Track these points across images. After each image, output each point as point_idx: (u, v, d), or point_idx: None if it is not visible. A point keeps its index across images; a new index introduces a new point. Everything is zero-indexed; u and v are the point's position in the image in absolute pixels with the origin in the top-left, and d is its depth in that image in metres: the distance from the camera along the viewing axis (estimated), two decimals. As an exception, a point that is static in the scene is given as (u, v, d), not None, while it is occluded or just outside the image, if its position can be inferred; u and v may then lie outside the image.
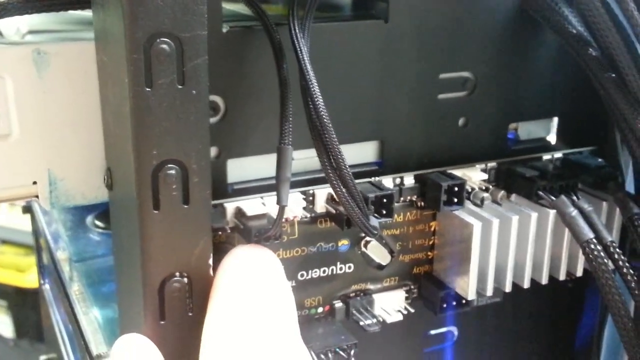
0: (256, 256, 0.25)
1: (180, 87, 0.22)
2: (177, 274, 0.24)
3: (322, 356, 0.30)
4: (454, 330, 0.36)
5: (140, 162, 0.22)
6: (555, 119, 0.36)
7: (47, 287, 0.53)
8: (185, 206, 0.23)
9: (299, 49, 0.25)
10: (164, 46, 0.21)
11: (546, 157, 0.34)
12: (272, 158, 0.29)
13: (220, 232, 0.28)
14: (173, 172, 0.23)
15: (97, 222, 0.47)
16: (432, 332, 0.36)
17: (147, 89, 0.21)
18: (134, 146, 0.22)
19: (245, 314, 0.23)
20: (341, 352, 0.30)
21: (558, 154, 0.35)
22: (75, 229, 0.47)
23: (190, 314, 0.24)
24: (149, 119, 0.22)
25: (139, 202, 0.23)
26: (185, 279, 0.24)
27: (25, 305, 1.09)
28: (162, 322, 0.24)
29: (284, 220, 0.28)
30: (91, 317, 0.37)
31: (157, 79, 0.21)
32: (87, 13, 0.29)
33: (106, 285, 0.41)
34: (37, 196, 0.28)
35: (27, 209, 0.54)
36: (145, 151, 0.22)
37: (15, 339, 1.11)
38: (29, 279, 1.06)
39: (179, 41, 0.21)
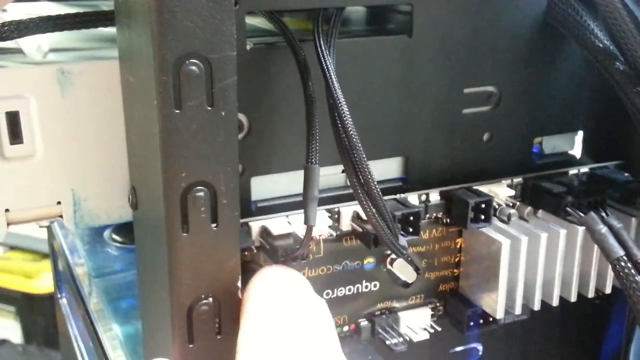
0: (285, 276, 0.24)
1: (209, 108, 0.21)
2: (205, 296, 0.23)
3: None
4: (479, 347, 0.36)
5: (169, 184, 0.22)
6: (580, 133, 0.35)
7: (64, 300, 0.53)
8: (214, 228, 0.23)
9: (325, 67, 0.25)
10: (193, 67, 0.21)
11: (572, 171, 0.34)
12: (296, 175, 0.29)
13: (246, 252, 0.28)
14: (202, 194, 0.22)
15: (115, 237, 0.46)
16: (457, 349, 0.35)
17: (176, 111, 0.21)
18: (163, 168, 0.22)
19: (281, 332, 0.22)
20: (368, 372, 0.30)
21: (584, 169, 0.34)
22: (92, 243, 0.47)
23: (219, 337, 0.24)
24: (178, 141, 0.21)
25: (167, 224, 0.22)
26: (214, 301, 0.24)
27: (33, 311, 1.09)
28: (191, 346, 0.24)
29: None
30: (112, 334, 0.37)
31: (186, 101, 0.21)
32: (110, 30, 0.29)
33: (125, 300, 0.41)
34: (61, 216, 0.27)
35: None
36: (174, 173, 0.22)
37: (23, 344, 1.11)
38: (37, 285, 1.06)
39: (208, 62, 0.21)
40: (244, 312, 0.23)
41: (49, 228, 0.54)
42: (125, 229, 0.47)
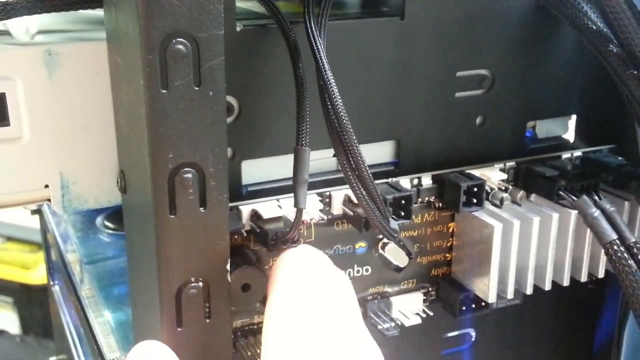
0: (312, 252, 0.25)
1: (196, 88, 0.21)
2: (194, 279, 0.23)
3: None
4: (472, 332, 0.36)
5: (156, 165, 0.22)
6: (574, 117, 0.35)
7: (56, 288, 0.53)
8: (202, 210, 0.23)
9: (316, 48, 0.25)
10: (180, 47, 0.21)
11: (565, 155, 0.34)
12: (287, 159, 0.29)
13: (236, 236, 0.27)
14: (189, 175, 0.22)
15: (107, 223, 0.46)
16: (450, 334, 0.35)
17: (163, 91, 0.21)
18: (150, 150, 0.21)
19: (310, 302, 0.22)
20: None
21: (577, 153, 0.34)
22: (85, 230, 0.46)
23: (208, 320, 0.24)
24: (165, 122, 0.21)
25: (155, 206, 0.22)
26: (203, 285, 0.23)
27: (30, 301, 1.09)
28: (180, 329, 0.24)
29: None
30: (103, 320, 0.37)
31: (173, 81, 0.21)
32: (97, 12, 0.29)
33: (117, 287, 0.40)
34: (49, 200, 0.27)
35: (37, 210, 0.53)
36: (161, 155, 0.21)
37: (21, 335, 1.12)
38: (34, 276, 1.06)
39: (195, 41, 0.21)
40: (273, 283, 0.23)
41: (40, 216, 0.54)
42: (117, 216, 0.46)
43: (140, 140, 0.22)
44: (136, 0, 0.20)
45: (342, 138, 0.24)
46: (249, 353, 0.29)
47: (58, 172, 0.27)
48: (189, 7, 0.20)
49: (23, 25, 0.30)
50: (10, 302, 1.10)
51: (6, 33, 0.29)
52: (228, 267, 0.24)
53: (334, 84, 0.24)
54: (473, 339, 0.36)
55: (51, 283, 0.54)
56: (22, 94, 0.25)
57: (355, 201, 0.28)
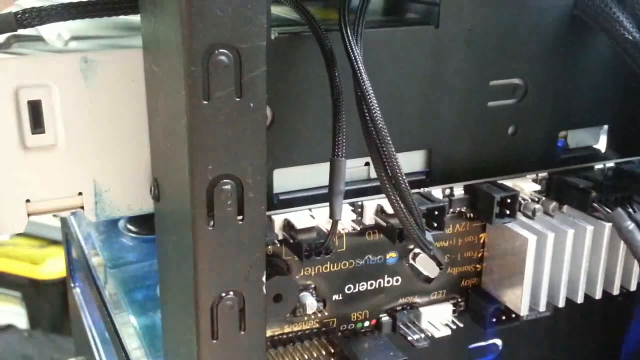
0: None
1: (237, 99, 0.21)
2: (230, 290, 0.23)
3: (371, 371, 0.29)
4: (499, 343, 0.35)
5: (195, 177, 0.21)
6: (605, 127, 0.35)
7: (77, 290, 0.53)
8: (240, 222, 0.22)
9: (354, 57, 0.25)
10: (223, 57, 0.20)
11: (597, 166, 0.33)
12: (318, 168, 0.28)
13: (268, 246, 0.27)
14: (228, 187, 0.22)
15: (130, 227, 0.46)
16: (476, 345, 0.35)
17: (205, 102, 0.21)
18: (189, 160, 0.21)
19: None
20: (390, 368, 0.29)
21: (609, 164, 0.33)
22: (108, 233, 0.46)
23: (242, 332, 0.24)
24: (205, 133, 0.21)
25: (193, 217, 0.22)
26: (238, 296, 0.23)
27: (39, 296, 1.09)
28: (214, 341, 0.23)
29: (332, 233, 0.27)
30: (128, 325, 0.37)
31: (215, 92, 0.21)
32: (130, 18, 0.29)
33: (141, 291, 0.40)
34: (82, 207, 0.27)
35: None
36: (201, 166, 0.21)
37: (29, 329, 1.12)
38: (43, 271, 1.07)
39: (238, 52, 0.21)
40: None
41: (62, 218, 0.54)
42: (139, 219, 0.46)
43: (179, 150, 0.22)
44: (180, 10, 0.20)
45: (380, 149, 0.24)
46: (278, 363, 0.29)
47: (92, 180, 0.27)
48: (232, 18, 0.20)
49: (55, 31, 0.30)
50: (18, 296, 1.10)
51: (39, 39, 0.29)
52: (264, 278, 0.24)
53: (373, 94, 0.24)
54: (500, 349, 0.36)
55: (72, 284, 0.54)
56: (58, 101, 0.25)
57: (389, 211, 0.28)
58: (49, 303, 1.08)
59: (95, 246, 0.45)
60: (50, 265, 1.06)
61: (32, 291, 1.09)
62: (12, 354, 1.08)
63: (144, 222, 0.46)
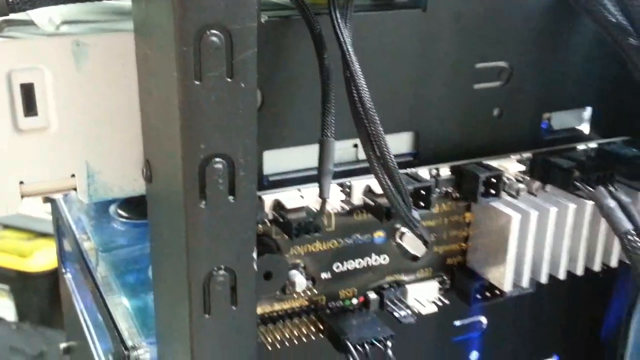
0: None
1: (229, 80, 0.21)
2: (222, 267, 0.24)
3: (358, 347, 0.30)
4: (483, 320, 0.36)
5: (188, 156, 0.22)
6: (589, 109, 0.35)
7: (69, 275, 0.53)
8: (231, 200, 0.23)
9: (342, 40, 0.25)
10: (214, 38, 0.21)
11: (580, 147, 0.34)
12: (307, 149, 0.29)
13: (259, 225, 0.28)
14: (220, 166, 0.22)
15: (121, 212, 0.46)
16: (461, 322, 0.36)
17: (196, 83, 0.21)
18: (182, 140, 0.22)
19: None
20: (377, 344, 0.30)
21: (592, 144, 0.34)
22: (98, 218, 0.47)
23: (234, 307, 0.24)
24: (197, 113, 0.21)
25: (185, 196, 0.22)
26: (230, 272, 0.24)
27: (27, 289, 1.10)
28: (207, 316, 0.24)
29: (321, 212, 0.28)
30: (121, 307, 0.37)
31: (206, 72, 0.21)
32: (120, 2, 0.29)
33: (132, 274, 0.41)
34: (75, 189, 0.27)
35: (48, 197, 0.54)
36: (193, 145, 0.22)
37: (17, 322, 1.12)
38: (32, 264, 1.07)
39: (229, 33, 0.21)
40: None
41: (53, 203, 0.54)
42: (131, 204, 0.47)
43: (170, 131, 0.22)
44: (171, -8, 0.20)
45: (369, 129, 0.24)
46: (269, 339, 0.30)
47: (84, 162, 0.27)
48: None
49: (46, 15, 0.30)
50: (6, 289, 1.11)
51: (30, 23, 0.29)
52: (255, 255, 0.24)
53: (361, 75, 0.25)
54: (484, 327, 0.36)
55: (63, 271, 0.54)
56: (50, 84, 0.26)
57: (377, 191, 0.29)
58: (37, 295, 1.08)
59: (87, 231, 0.45)
60: (38, 258, 1.06)
61: (20, 284, 1.09)
62: (0, 346, 1.09)
63: (134, 207, 0.46)
